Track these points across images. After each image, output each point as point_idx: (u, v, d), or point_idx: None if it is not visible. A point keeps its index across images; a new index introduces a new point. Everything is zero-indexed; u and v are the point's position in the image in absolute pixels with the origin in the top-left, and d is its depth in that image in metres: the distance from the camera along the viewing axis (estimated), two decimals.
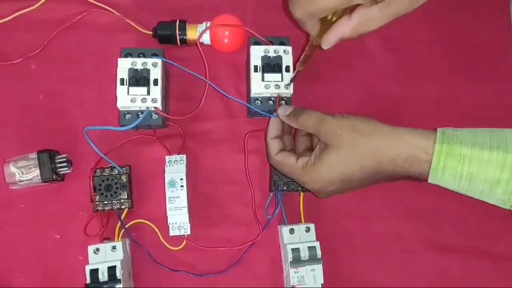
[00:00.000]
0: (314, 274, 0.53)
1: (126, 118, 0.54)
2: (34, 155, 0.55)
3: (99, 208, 0.54)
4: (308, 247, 0.53)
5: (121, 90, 0.53)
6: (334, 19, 0.45)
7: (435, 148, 0.46)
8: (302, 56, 0.51)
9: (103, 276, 0.50)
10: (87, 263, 0.52)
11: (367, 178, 0.49)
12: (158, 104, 0.53)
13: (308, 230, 0.55)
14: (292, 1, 0.45)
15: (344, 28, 0.45)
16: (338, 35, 0.46)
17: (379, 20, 0.44)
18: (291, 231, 0.55)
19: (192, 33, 0.58)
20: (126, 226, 0.55)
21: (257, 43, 0.56)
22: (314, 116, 0.50)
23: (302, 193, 0.57)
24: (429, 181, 0.48)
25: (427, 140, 0.46)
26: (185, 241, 0.56)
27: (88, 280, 0.50)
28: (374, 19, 0.44)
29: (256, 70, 0.55)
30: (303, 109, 0.52)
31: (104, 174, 0.55)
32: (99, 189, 0.54)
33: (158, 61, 0.54)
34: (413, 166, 0.47)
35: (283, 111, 0.53)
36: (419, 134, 0.47)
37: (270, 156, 0.54)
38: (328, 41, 0.47)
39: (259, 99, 0.56)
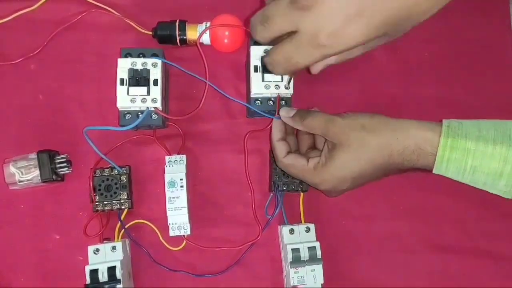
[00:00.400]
0: (314, 274, 0.53)
1: (126, 118, 0.54)
2: (34, 155, 0.55)
3: (99, 208, 0.54)
4: (308, 247, 0.53)
5: (121, 90, 0.53)
6: None
7: (440, 141, 0.46)
8: None
9: (103, 276, 0.50)
10: (87, 263, 0.52)
11: (377, 172, 0.50)
12: (158, 104, 0.53)
13: (308, 230, 0.55)
14: (271, 64, 0.47)
15: (328, 59, 0.47)
16: (323, 64, 0.49)
17: (362, 50, 0.46)
18: (291, 231, 0.55)
19: (192, 33, 0.58)
20: (126, 226, 0.55)
21: (257, 43, 0.56)
22: (320, 117, 0.50)
23: (302, 193, 0.57)
24: (433, 172, 0.49)
25: (433, 133, 0.47)
26: (185, 241, 0.56)
27: (88, 281, 0.50)
28: (355, 51, 0.46)
29: (256, 70, 0.55)
30: (308, 111, 0.52)
31: (104, 174, 0.55)
32: (99, 189, 0.54)
33: (158, 61, 0.54)
34: (420, 158, 0.48)
35: (286, 112, 0.53)
36: (425, 126, 0.48)
37: (277, 159, 0.53)
38: (316, 69, 0.51)
39: (259, 99, 0.56)
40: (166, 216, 0.53)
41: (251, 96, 0.55)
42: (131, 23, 0.60)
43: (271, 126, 0.55)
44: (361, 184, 0.52)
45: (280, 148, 0.53)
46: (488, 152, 0.45)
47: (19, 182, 0.54)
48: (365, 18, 0.41)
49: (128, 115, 0.54)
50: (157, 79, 0.53)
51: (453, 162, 0.47)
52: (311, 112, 0.52)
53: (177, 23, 0.58)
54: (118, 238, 0.55)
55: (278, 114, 0.54)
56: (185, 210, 0.53)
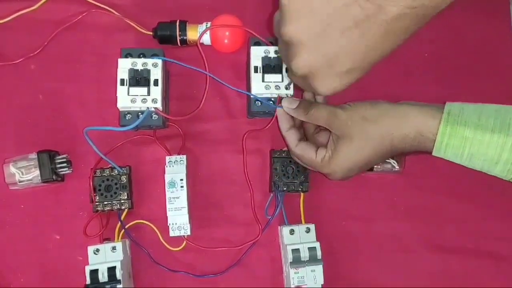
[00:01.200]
0: (314, 275, 0.53)
1: (126, 118, 0.54)
2: (34, 156, 0.55)
3: (99, 208, 0.54)
4: (308, 248, 0.53)
5: (121, 91, 0.53)
6: None
7: (440, 129, 0.48)
8: None
9: (103, 276, 0.50)
10: (87, 263, 0.52)
11: (382, 158, 0.52)
12: (159, 105, 0.53)
13: (308, 230, 0.55)
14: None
15: None
16: None
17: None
18: (291, 231, 0.55)
19: (192, 34, 0.58)
20: (126, 227, 0.55)
21: (258, 43, 0.56)
22: (324, 110, 0.51)
23: (302, 194, 0.57)
24: (433, 154, 0.50)
25: (433, 120, 0.48)
26: (185, 242, 0.56)
27: (88, 281, 0.50)
28: None
29: (256, 70, 0.55)
30: (311, 103, 0.53)
31: (104, 174, 0.55)
32: (99, 190, 0.54)
33: (159, 61, 0.54)
34: (420, 144, 0.49)
35: (289, 103, 0.53)
36: (426, 112, 0.49)
37: (289, 149, 0.55)
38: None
39: (260, 99, 0.56)
40: (166, 217, 0.53)
41: (251, 96, 0.55)
42: (132, 23, 0.60)
43: (276, 119, 0.55)
44: (369, 167, 0.54)
45: (291, 138, 0.54)
46: (485, 140, 0.47)
47: (19, 182, 0.54)
48: (358, 71, 0.43)
49: (128, 115, 0.54)
50: (157, 79, 0.53)
51: (451, 148, 0.48)
52: (314, 104, 0.52)
53: (177, 24, 0.58)
54: (118, 238, 0.55)
55: (280, 103, 0.54)
56: (185, 211, 0.53)
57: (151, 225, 0.56)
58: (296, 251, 0.53)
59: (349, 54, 0.41)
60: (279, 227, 0.57)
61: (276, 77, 0.54)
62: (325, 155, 0.52)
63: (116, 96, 0.53)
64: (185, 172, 0.54)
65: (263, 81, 0.55)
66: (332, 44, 0.40)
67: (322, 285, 0.53)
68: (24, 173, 0.54)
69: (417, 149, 0.50)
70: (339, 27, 0.39)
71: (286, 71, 0.52)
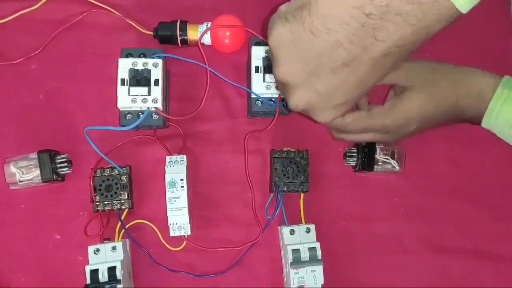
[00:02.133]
0: (315, 275, 0.53)
1: (127, 118, 0.54)
2: (34, 155, 0.55)
3: (99, 208, 0.54)
4: (309, 248, 0.53)
5: (121, 90, 0.53)
6: None
7: (496, 91, 0.50)
8: None
9: (103, 276, 0.50)
10: (87, 263, 0.52)
11: (441, 116, 0.52)
12: (159, 105, 0.53)
13: (308, 231, 0.55)
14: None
15: None
16: None
17: None
18: (292, 231, 0.55)
19: (193, 34, 0.58)
20: (126, 227, 0.55)
21: (258, 43, 0.56)
22: None
23: (302, 194, 0.57)
24: (482, 124, 0.51)
25: (495, 80, 0.50)
26: (185, 242, 0.56)
27: (88, 281, 0.50)
28: None
29: (257, 71, 0.55)
30: None
31: (105, 174, 0.55)
32: (100, 189, 0.54)
33: (159, 61, 0.54)
34: (479, 104, 0.51)
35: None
36: (487, 74, 0.51)
37: (335, 123, 0.50)
38: None
39: (260, 99, 0.56)
40: (167, 216, 0.53)
41: (252, 96, 0.55)
42: (132, 23, 0.60)
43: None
44: (426, 129, 0.53)
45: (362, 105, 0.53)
46: None
47: (20, 182, 0.54)
48: (352, 101, 0.45)
49: (128, 115, 0.54)
50: (158, 79, 0.53)
51: (503, 113, 0.49)
52: None
53: (178, 24, 0.58)
54: (118, 238, 0.55)
55: (279, 114, 0.55)
56: (186, 211, 0.53)
57: (151, 225, 0.56)
58: (296, 251, 0.53)
59: (342, 89, 0.42)
60: (279, 227, 0.57)
61: None
62: (385, 105, 0.51)
63: (117, 96, 0.53)
64: (185, 172, 0.54)
65: (264, 81, 0.55)
66: (324, 82, 0.41)
67: (322, 285, 0.53)
68: (25, 172, 0.54)
69: (472, 111, 0.51)
70: (328, 67, 0.40)
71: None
